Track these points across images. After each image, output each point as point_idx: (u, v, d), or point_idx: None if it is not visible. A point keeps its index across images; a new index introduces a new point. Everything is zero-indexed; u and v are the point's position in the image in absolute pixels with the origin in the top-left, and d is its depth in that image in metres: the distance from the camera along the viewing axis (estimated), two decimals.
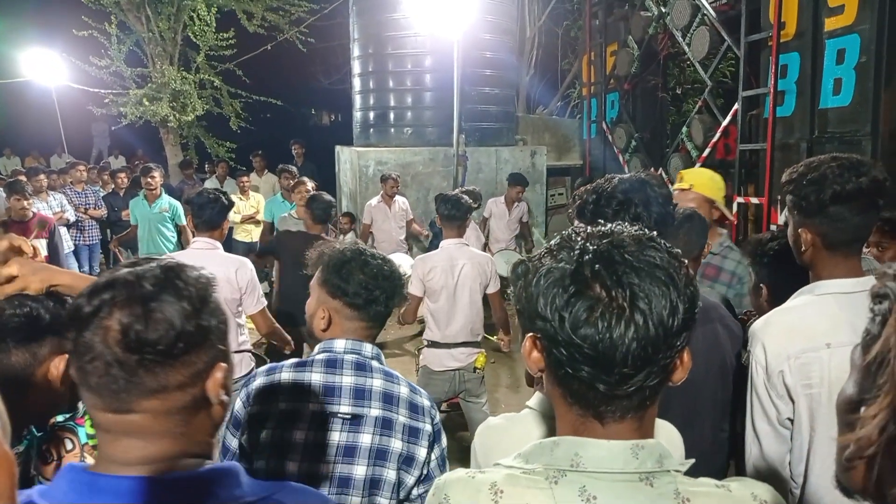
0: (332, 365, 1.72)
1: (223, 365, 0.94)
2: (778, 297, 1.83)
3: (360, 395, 1.70)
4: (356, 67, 9.80)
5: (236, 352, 3.52)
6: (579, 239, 0.89)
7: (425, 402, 1.80)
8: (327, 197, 4.80)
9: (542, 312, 0.86)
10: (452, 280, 3.86)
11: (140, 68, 11.31)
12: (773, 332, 1.66)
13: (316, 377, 1.70)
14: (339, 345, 1.74)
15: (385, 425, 1.69)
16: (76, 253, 7.80)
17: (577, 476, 0.87)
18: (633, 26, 7.93)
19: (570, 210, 1.93)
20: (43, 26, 12.01)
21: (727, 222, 3.23)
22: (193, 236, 3.56)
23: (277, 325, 3.73)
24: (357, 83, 9.85)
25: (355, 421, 1.68)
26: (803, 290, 1.71)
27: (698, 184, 2.82)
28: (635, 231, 0.90)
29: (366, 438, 1.67)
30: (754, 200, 6.09)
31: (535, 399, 1.50)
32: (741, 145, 6.18)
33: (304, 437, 1.64)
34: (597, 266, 0.84)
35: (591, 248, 0.86)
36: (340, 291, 1.74)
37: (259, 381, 1.71)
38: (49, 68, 11.09)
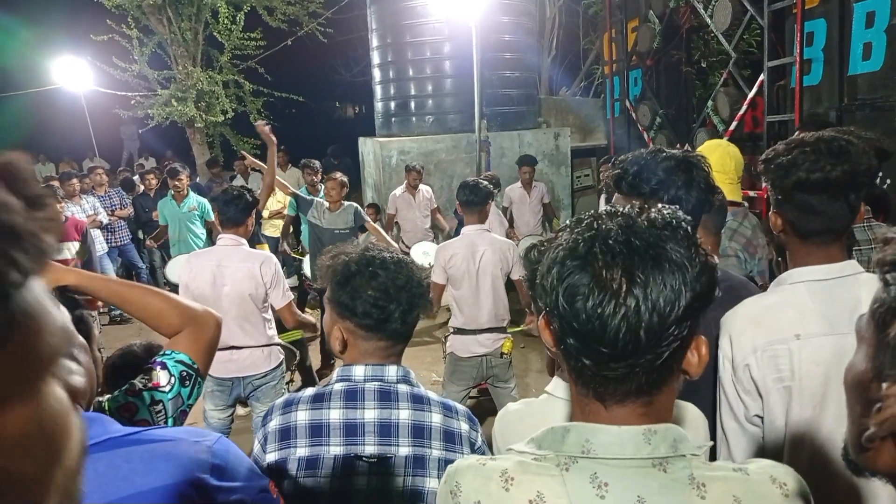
0: (351, 397, 1.53)
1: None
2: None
3: (385, 431, 1.51)
4: (375, 58, 9.81)
5: (265, 345, 3.59)
6: (594, 218, 0.89)
7: (462, 425, 1.59)
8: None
9: (545, 284, 0.88)
10: (474, 266, 3.86)
11: (164, 70, 11.48)
12: (740, 324, 1.57)
13: (335, 414, 1.52)
14: (359, 372, 1.55)
15: (417, 464, 1.50)
16: (108, 254, 7.99)
17: (589, 463, 0.87)
18: (653, 0, 7.77)
19: (605, 179, 1.87)
20: (71, 34, 12.24)
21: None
22: (208, 234, 3.62)
23: (303, 318, 3.78)
24: (377, 74, 9.87)
25: (383, 463, 1.50)
26: (778, 278, 1.62)
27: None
28: (657, 214, 0.88)
29: (397, 481, 1.50)
30: None
31: (553, 384, 1.50)
32: (768, 117, 6.03)
33: (328, 485, 1.48)
34: (597, 244, 0.84)
35: (600, 226, 0.86)
36: (349, 311, 1.52)
37: (275, 423, 1.54)
38: (78, 74, 11.33)
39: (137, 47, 10.96)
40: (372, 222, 5.92)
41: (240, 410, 4.14)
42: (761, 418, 1.55)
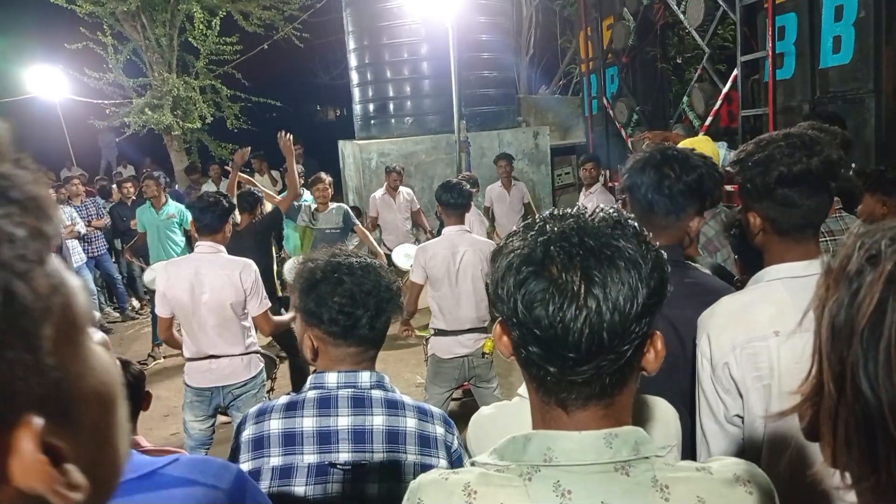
0: (325, 405, 1.52)
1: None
2: (750, 271, 1.78)
3: (359, 438, 1.50)
4: (353, 60, 9.79)
5: (245, 354, 3.56)
6: (544, 222, 0.88)
7: (438, 429, 1.58)
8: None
9: (501, 293, 0.86)
10: (454, 267, 3.86)
11: (140, 77, 11.36)
12: (718, 322, 1.55)
13: (308, 422, 1.51)
14: (332, 379, 1.54)
15: (392, 470, 1.50)
16: (86, 265, 7.88)
17: (551, 471, 0.86)
18: None
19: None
20: (45, 42, 12.09)
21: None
22: (187, 242, 3.59)
23: (280, 322, 3.75)
24: (355, 76, 9.84)
25: (358, 470, 1.49)
26: (755, 276, 1.60)
27: None
28: (605, 214, 0.88)
29: (372, 488, 1.48)
30: None
31: (525, 386, 1.50)
32: (743, 111, 6.10)
33: (303, 493, 1.47)
34: (552, 248, 0.83)
35: (551, 229, 0.85)
36: (315, 319, 1.51)
37: (249, 431, 1.54)
38: (53, 83, 11.19)
39: (112, 55, 10.83)
40: (360, 225, 6.16)
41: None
42: (742, 418, 1.53)
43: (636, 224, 0.88)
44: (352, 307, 1.49)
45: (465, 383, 4.12)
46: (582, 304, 0.80)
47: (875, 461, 0.54)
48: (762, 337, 1.48)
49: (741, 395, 1.51)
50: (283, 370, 5.27)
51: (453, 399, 4.22)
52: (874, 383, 0.53)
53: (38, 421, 0.40)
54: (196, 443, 3.53)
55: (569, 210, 0.91)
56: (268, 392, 3.80)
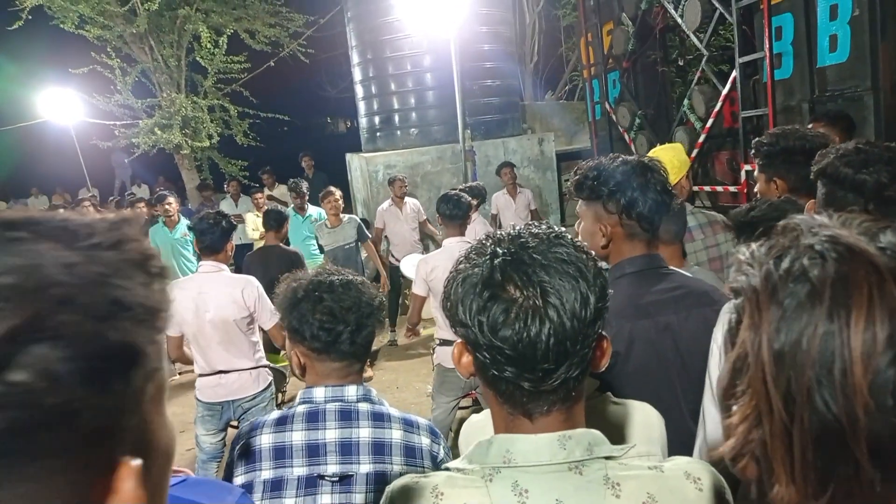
0: (313, 419, 1.59)
1: None
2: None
3: (346, 450, 1.56)
4: (357, 74, 9.89)
5: (253, 368, 3.64)
6: (490, 244, 0.94)
7: (424, 440, 1.64)
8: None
9: (463, 319, 0.91)
10: None
11: (150, 98, 11.56)
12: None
13: (297, 436, 1.58)
14: (319, 394, 1.61)
15: (378, 481, 1.54)
16: None
17: (510, 472, 0.92)
18: (625, 3, 7.84)
19: (569, 184, 1.96)
20: (55, 67, 12.33)
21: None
22: (199, 260, 3.68)
23: None
24: (359, 90, 9.94)
25: (345, 481, 1.55)
26: None
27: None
28: (542, 230, 0.95)
29: (359, 498, 1.54)
30: None
31: None
32: (743, 112, 6.10)
33: None
34: (507, 269, 0.89)
35: (500, 251, 0.91)
36: (299, 335, 1.59)
37: (241, 447, 1.61)
38: (65, 107, 11.40)
39: (120, 77, 11.04)
40: (373, 240, 6.26)
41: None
42: None
43: (569, 235, 0.96)
44: (332, 323, 1.57)
45: (472, 392, 4.16)
46: (544, 317, 0.86)
47: (830, 476, 0.56)
48: None
49: None
50: (296, 383, 5.34)
51: (461, 408, 4.27)
52: (832, 406, 0.55)
53: (136, 462, 0.46)
54: (208, 456, 3.61)
55: (507, 231, 0.97)
56: (278, 405, 3.87)
